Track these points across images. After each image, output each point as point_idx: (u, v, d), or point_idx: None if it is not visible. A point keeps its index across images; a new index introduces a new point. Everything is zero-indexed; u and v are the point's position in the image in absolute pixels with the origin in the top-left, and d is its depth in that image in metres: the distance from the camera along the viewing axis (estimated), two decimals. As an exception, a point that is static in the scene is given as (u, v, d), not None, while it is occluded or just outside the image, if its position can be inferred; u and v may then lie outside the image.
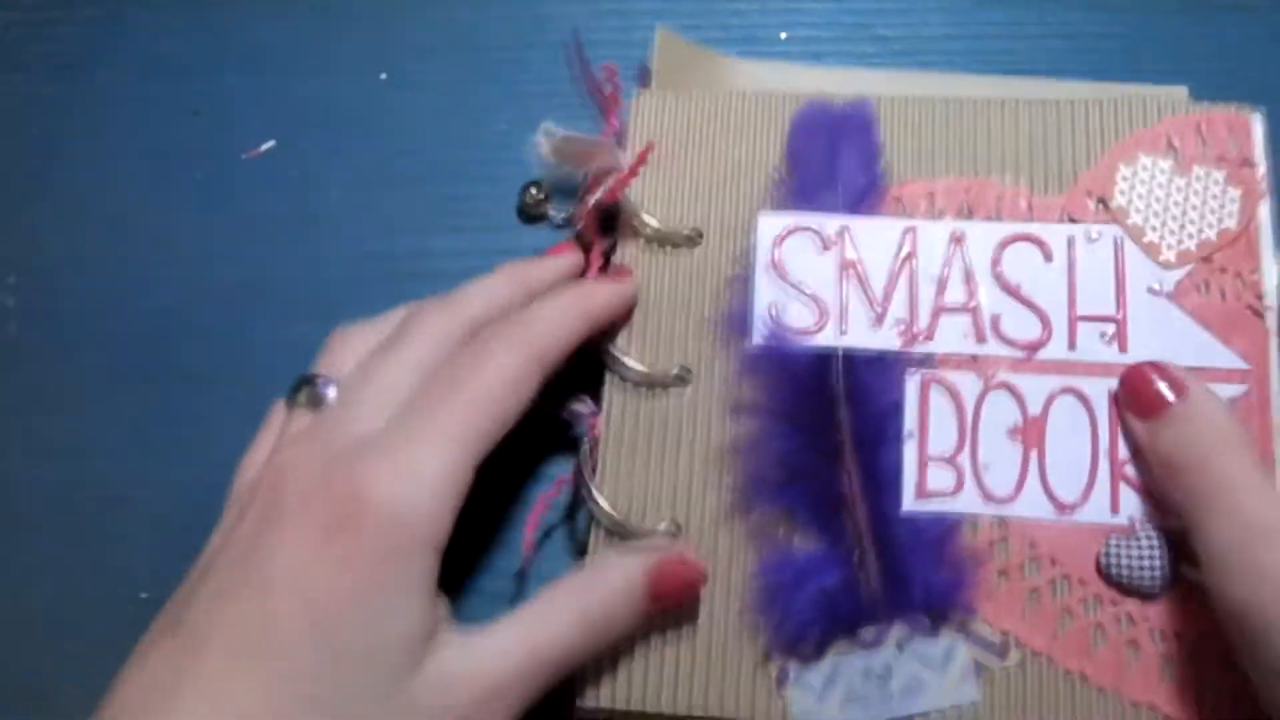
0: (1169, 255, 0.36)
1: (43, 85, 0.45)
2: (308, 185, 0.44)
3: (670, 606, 0.34)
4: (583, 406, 0.37)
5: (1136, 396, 0.34)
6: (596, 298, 0.36)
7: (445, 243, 0.43)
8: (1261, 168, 0.37)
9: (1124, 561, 0.33)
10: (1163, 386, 0.33)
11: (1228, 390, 0.35)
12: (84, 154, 0.45)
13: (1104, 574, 0.34)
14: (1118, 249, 0.37)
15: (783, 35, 0.46)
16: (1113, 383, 0.35)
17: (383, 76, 0.46)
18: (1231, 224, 0.36)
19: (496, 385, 0.32)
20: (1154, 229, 0.37)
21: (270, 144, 0.38)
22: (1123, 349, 0.36)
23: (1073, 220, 0.37)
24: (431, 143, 0.45)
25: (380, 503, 0.29)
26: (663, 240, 0.38)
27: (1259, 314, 0.35)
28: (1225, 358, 0.35)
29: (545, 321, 0.34)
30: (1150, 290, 0.36)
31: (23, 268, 0.43)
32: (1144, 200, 0.37)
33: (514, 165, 0.42)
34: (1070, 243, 0.37)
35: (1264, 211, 0.36)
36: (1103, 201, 0.37)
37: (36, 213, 0.44)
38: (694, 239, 0.38)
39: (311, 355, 0.35)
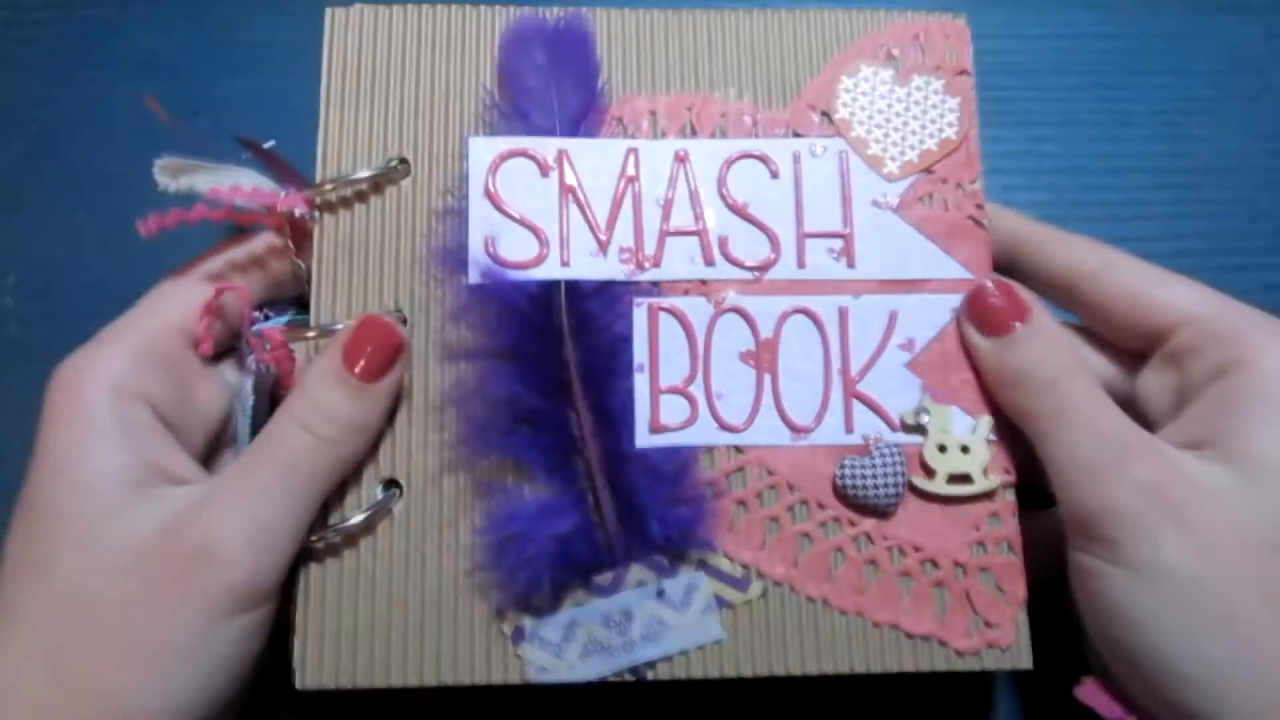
0: (892, 167, 0.36)
1: (43, 85, 0.45)
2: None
3: (382, 374, 0.32)
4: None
5: (985, 313, 0.33)
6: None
7: None
8: (971, 73, 0.37)
9: (859, 480, 0.33)
10: (1009, 304, 0.33)
11: (956, 299, 0.34)
12: (84, 154, 0.44)
13: (840, 495, 0.33)
14: (843, 163, 0.36)
15: None
16: (842, 300, 0.34)
17: None
18: (951, 133, 0.36)
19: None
20: (877, 141, 0.36)
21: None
22: (851, 264, 0.35)
23: (798, 135, 0.36)
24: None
25: None
26: (365, 184, 0.34)
27: (979, 224, 0.35)
28: (950, 268, 0.35)
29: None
30: (875, 203, 0.35)
31: (23, 268, 0.43)
32: (866, 112, 0.36)
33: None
34: (796, 158, 0.35)
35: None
36: (826, 114, 0.36)
37: (36, 213, 0.43)
38: (400, 171, 0.35)
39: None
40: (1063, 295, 0.35)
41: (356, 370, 0.31)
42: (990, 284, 0.34)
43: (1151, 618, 0.29)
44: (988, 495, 0.33)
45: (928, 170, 0.36)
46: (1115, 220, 0.44)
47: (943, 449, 0.33)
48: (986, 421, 0.34)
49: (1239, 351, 0.31)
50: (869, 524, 0.33)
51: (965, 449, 0.33)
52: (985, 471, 0.33)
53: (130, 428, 0.30)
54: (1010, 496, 0.33)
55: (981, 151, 0.36)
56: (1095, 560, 0.30)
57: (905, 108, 0.36)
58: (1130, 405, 0.33)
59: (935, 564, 0.33)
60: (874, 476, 0.33)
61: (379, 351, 0.32)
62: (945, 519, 0.33)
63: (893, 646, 0.32)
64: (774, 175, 0.35)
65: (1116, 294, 0.34)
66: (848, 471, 0.33)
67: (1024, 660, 0.32)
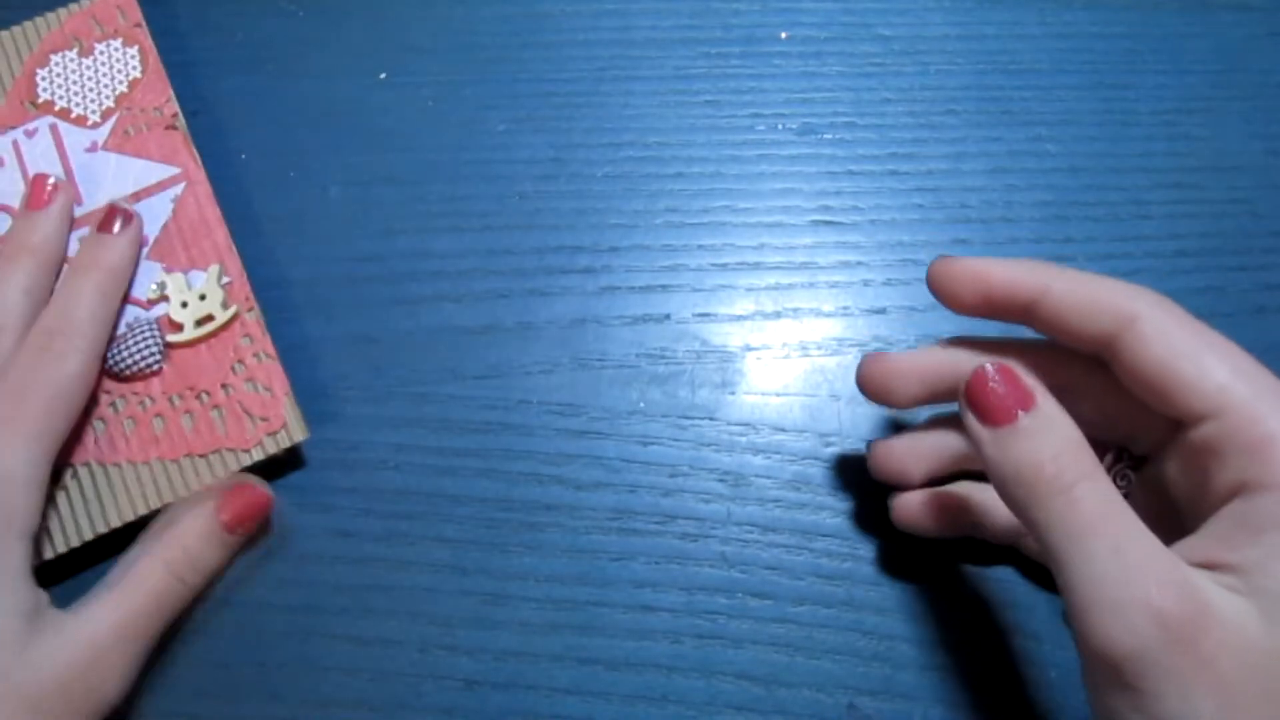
0: (95, 118, 0.42)
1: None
2: (307, 185, 0.44)
3: (251, 530, 0.38)
4: None
5: (984, 399, 0.30)
6: (118, 260, 0.39)
7: (444, 243, 0.43)
8: (144, 25, 0.44)
9: (122, 360, 0.38)
10: (1011, 391, 0.30)
11: (173, 191, 0.41)
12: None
13: (114, 377, 0.39)
14: (54, 133, 0.42)
15: (783, 35, 0.46)
16: (80, 232, 0.40)
17: (382, 76, 0.46)
18: (137, 72, 0.43)
19: (67, 387, 0.36)
20: (77, 105, 0.43)
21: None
22: (80, 203, 0.41)
23: (13, 128, 0.42)
24: (430, 143, 0.45)
25: None
26: None
27: (175, 127, 0.42)
28: (160, 171, 0.41)
29: (90, 310, 0.37)
30: (88, 150, 0.42)
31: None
32: (63, 88, 0.43)
33: (512, 165, 0.45)
34: (15, 145, 0.42)
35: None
36: (32, 102, 0.43)
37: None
38: None
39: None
40: (1094, 354, 0.32)
41: (235, 532, 0.38)
42: (990, 367, 0.30)
43: None
44: (232, 322, 0.39)
45: (127, 108, 0.42)
46: (1115, 220, 0.43)
47: (185, 304, 0.39)
48: (215, 268, 0.40)
49: (1264, 471, 0.28)
50: (146, 388, 0.39)
51: (203, 296, 0.39)
52: (224, 305, 0.39)
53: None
54: (253, 316, 0.39)
55: (981, 151, 0.42)
56: (1119, 707, 0.27)
57: (94, 71, 0.43)
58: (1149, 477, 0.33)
59: (209, 394, 0.38)
60: (131, 351, 0.38)
61: (256, 515, 0.38)
62: (209, 356, 0.39)
63: (191, 471, 0.37)
64: (2, 165, 0.42)
65: (1142, 365, 0.30)
66: (111, 357, 0.39)
67: (298, 434, 0.38)
